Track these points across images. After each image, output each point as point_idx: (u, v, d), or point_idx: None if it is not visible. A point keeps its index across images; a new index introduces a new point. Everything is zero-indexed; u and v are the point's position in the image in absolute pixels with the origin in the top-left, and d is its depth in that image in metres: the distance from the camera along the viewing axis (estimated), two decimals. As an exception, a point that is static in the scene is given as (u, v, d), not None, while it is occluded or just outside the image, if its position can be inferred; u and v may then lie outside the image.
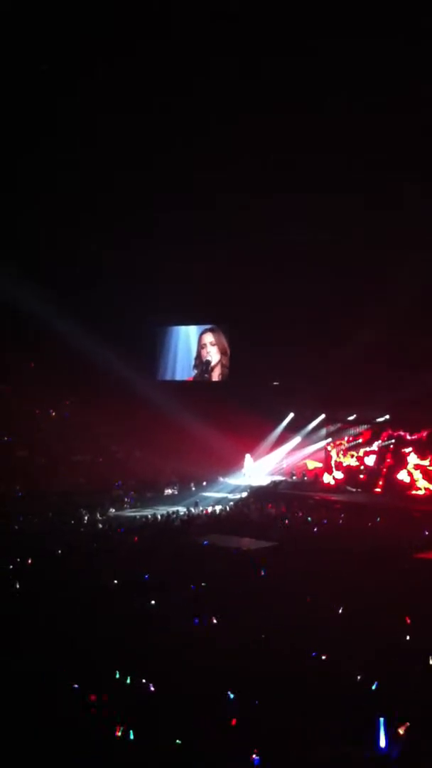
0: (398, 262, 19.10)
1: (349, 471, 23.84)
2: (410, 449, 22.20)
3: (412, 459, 22.10)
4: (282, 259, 21.37)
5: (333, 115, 16.99)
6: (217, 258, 22.01)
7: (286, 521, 17.10)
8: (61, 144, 18.49)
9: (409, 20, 14.43)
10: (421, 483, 21.76)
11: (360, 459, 23.72)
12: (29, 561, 11.38)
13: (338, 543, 13.66)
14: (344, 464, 24.13)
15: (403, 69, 15.34)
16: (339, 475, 24.10)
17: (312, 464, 25.56)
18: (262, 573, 10.47)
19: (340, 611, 8.28)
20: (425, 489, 21.60)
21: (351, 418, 24.10)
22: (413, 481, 21.98)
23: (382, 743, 5.00)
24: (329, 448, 24.45)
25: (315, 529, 15.87)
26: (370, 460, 23.47)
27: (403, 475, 22.24)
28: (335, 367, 21.01)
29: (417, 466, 22.02)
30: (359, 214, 19.20)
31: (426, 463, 21.89)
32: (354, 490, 22.57)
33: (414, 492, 21.71)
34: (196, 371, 27.49)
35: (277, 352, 23.28)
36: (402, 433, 22.67)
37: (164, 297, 24.65)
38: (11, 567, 11.10)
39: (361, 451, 23.61)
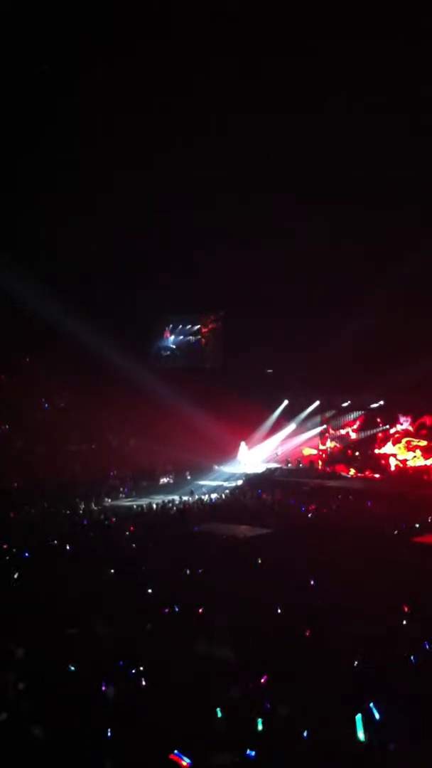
0: (396, 259, 19.15)
1: (337, 440, 24.41)
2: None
3: (405, 424, 22.42)
4: (278, 251, 21.39)
5: (333, 115, 17.01)
6: (213, 250, 22.01)
7: (282, 508, 17.13)
8: (61, 144, 18.50)
9: (409, 20, 14.45)
10: (401, 455, 22.02)
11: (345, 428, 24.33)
12: (26, 552, 11.38)
13: (335, 528, 13.67)
14: (330, 438, 24.72)
15: (403, 69, 15.36)
16: (323, 446, 24.72)
17: (307, 451, 25.78)
18: (259, 561, 10.44)
19: (339, 597, 8.27)
20: (401, 461, 21.92)
21: (345, 404, 24.37)
22: (390, 455, 22.28)
23: (375, 730, 4.97)
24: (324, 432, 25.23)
25: (309, 515, 15.94)
26: (352, 431, 24.00)
27: (387, 449, 22.49)
28: (330, 354, 21.21)
29: (405, 433, 22.20)
30: (359, 213, 19.23)
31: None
32: (348, 476, 22.68)
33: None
34: (187, 358, 27.56)
35: (271, 340, 23.35)
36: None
37: (162, 288, 24.65)
38: (7, 558, 11.11)
39: (348, 429, 24.32)
